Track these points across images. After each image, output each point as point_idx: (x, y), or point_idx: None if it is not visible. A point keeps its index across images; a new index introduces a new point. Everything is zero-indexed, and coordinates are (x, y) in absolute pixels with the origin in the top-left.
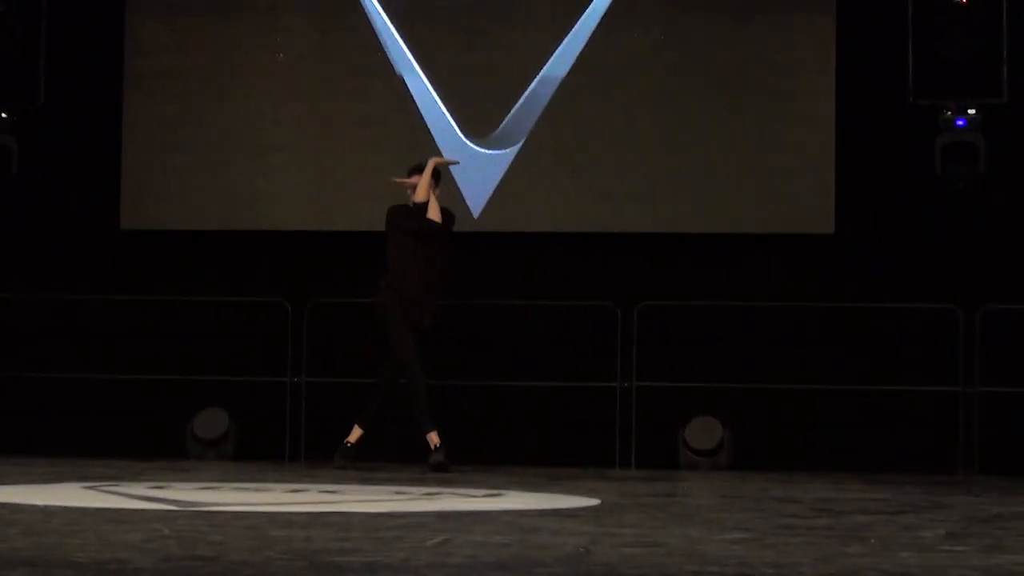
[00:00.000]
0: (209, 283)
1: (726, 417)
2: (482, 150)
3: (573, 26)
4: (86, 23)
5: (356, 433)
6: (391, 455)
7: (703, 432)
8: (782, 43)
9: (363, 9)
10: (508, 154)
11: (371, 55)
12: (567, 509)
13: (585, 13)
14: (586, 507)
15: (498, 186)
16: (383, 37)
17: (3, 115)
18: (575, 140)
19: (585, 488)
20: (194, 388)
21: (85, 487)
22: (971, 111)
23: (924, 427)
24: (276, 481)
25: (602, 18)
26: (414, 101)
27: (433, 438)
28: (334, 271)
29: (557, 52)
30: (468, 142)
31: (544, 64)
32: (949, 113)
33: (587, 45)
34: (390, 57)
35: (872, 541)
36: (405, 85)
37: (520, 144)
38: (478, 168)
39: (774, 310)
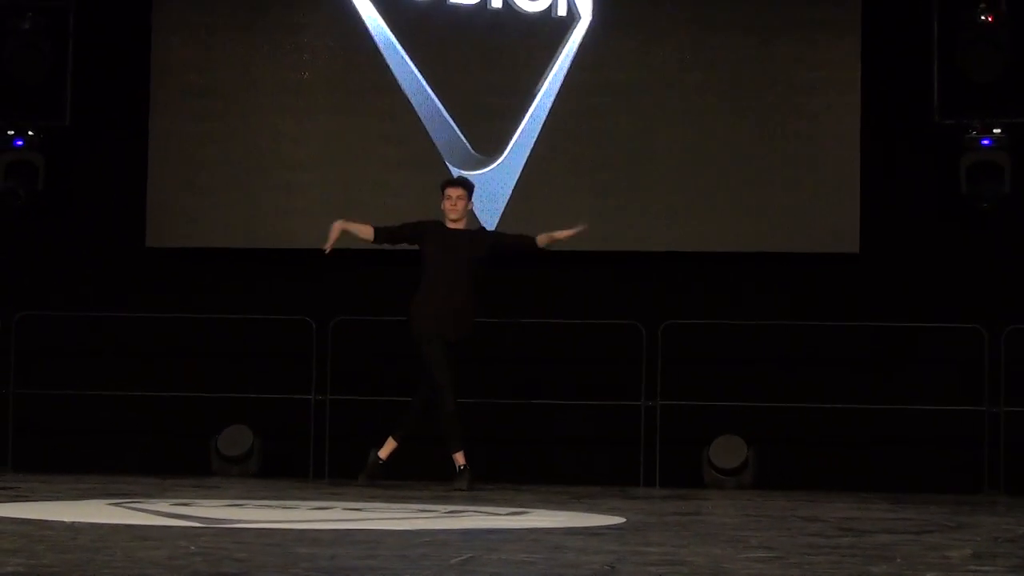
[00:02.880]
0: (234, 300)
1: (750, 436)
2: (494, 166)
3: (595, 45)
4: (113, 42)
5: (389, 447)
6: (417, 473)
7: (727, 451)
8: (807, 62)
9: (380, 28)
10: (531, 172)
11: (388, 73)
12: (592, 527)
13: (606, 31)
14: (611, 525)
15: (521, 205)
16: (390, 55)
17: (30, 133)
18: (599, 158)
19: (610, 506)
20: (218, 405)
21: (110, 504)
22: (996, 130)
23: (949, 447)
24: (301, 498)
25: (626, 36)
26: (434, 120)
27: (459, 459)
28: (358, 289)
29: (567, 67)
30: (480, 158)
31: (566, 82)
32: (974, 132)
33: (611, 63)
34: (400, 77)
35: (897, 560)
36: (427, 103)
37: (543, 163)
38: (490, 185)
39: (799, 329)
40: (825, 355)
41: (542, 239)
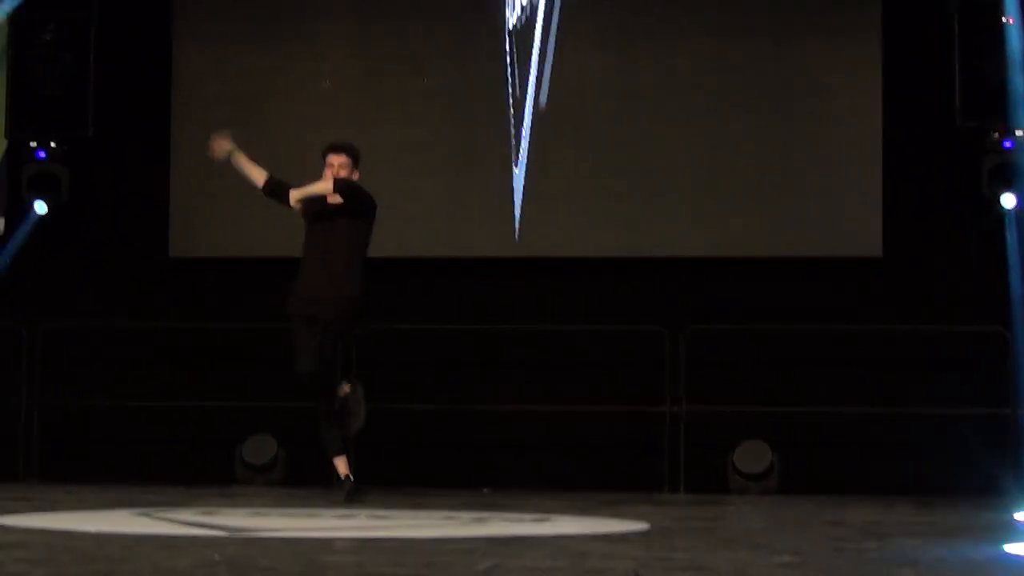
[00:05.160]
0: (257, 310)
1: (775, 441)
2: (518, 172)
3: (614, 46)
4: (134, 53)
5: (342, 464)
6: (440, 481)
7: (752, 456)
8: (828, 65)
9: (404, 37)
10: (550, 177)
11: (414, 81)
12: (617, 533)
13: (625, 35)
14: (636, 531)
15: (544, 210)
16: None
17: (53, 145)
18: (622, 164)
19: (634, 512)
20: (242, 414)
21: (136, 513)
22: (1018, 132)
23: (973, 450)
24: (325, 507)
25: (645, 41)
26: (455, 127)
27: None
28: (380, 297)
29: (600, 73)
30: (512, 164)
31: (586, 85)
32: (996, 135)
33: (630, 67)
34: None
35: (922, 564)
36: (448, 110)
37: (565, 168)
38: (519, 191)
39: (822, 333)
40: (848, 359)
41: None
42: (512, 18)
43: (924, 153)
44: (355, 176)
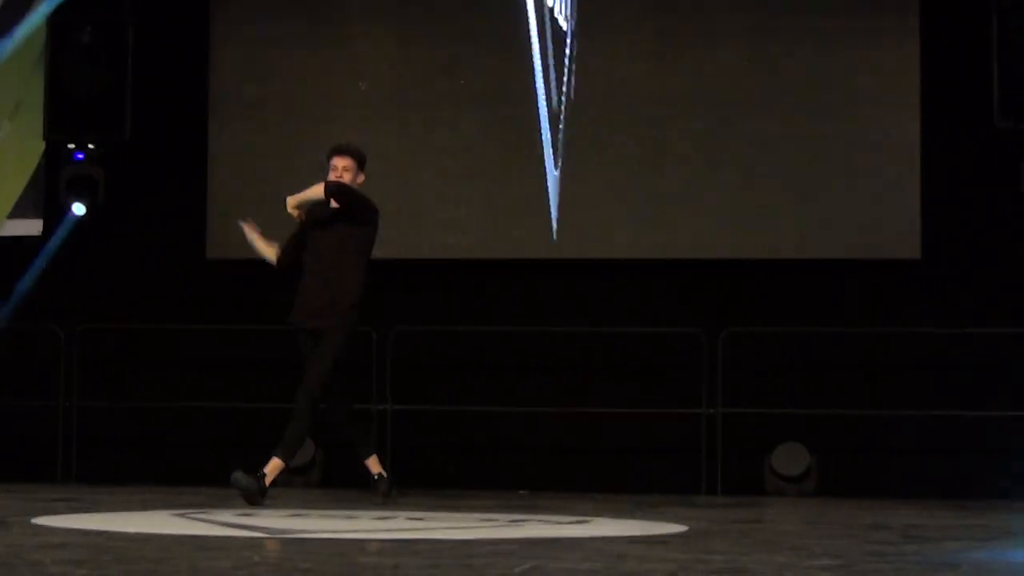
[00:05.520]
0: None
1: (812, 443)
2: (558, 173)
3: (651, 48)
4: (171, 55)
5: (374, 463)
6: (477, 483)
7: (789, 458)
8: (865, 67)
9: (441, 39)
10: (587, 178)
11: (452, 82)
12: (655, 535)
13: (662, 37)
14: (674, 533)
15: (579, 211)
16: (449, 65)
17: (90, 147)
18: (658, 166)
19: (672, 514)
20: (280, 416)
21: (175, 514)
22: None
23: (1013, 453)
24: (363, 508)
25: (682, 43)
26: (495, 129)
27: (273, 464)
28: (419, 299)
29: (636, 75)
30: (549, 166)
31: (623, 86)
32: None
33: (667, 69)
34: (458, 86)
35: (963, 568)
36: (488, 112)
37: (601, 170)
38: (555, 192)
39: (860, 335)
40: (886, 361)
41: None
42: (548, 19)
43: (963, 154)
44: (360, 180)
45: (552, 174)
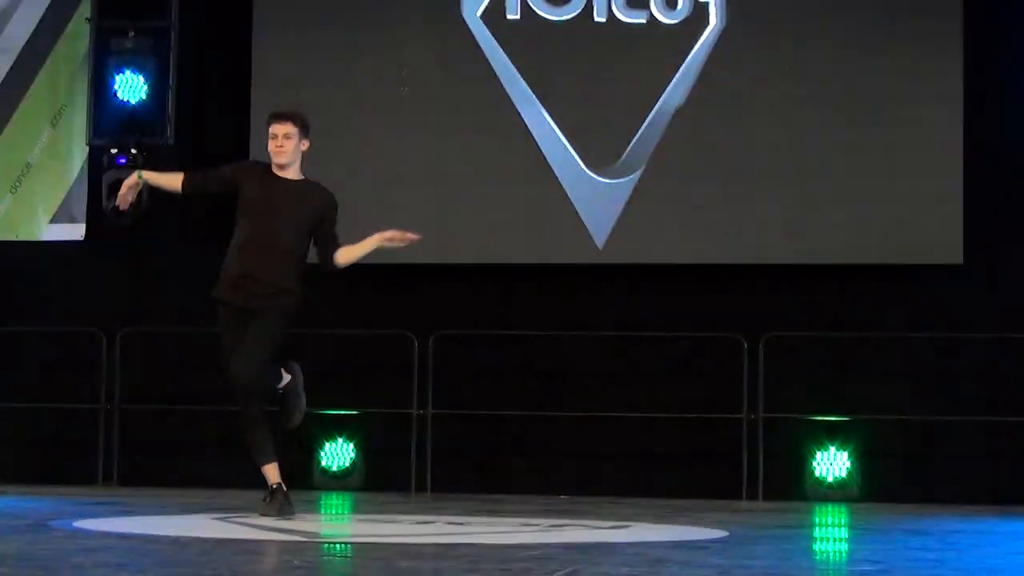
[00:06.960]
0: (334, 316)
1: (854, 448)
2: (604, 180)
3: (692, 54)
4: (214, 60)
5: (273, 471)
6: (517, 487)
7: (831, 464)
8: (908, 70)
9: (483, 43)
10: (630, 185)
11: (494, 88)
12: (695, 541)
13: (705, 41)
14: (715, 539)
15: (622, 218)
16: (501, 70)
17: (133, 151)
18: (700, 172)
19: (713, 520)
20: (320, 420)
21: (215, 518)
22: None
23: None
24: (403, 512)
25: (725, 47)
26: (534, 133)
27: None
28: (459, 303)
29: (676, 81)
30: (590, 172)
31: (664, 93)
32: None
33: (708, 74)
34: (508, 91)
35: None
36: (532, 118)
37: (641, 175)
38: (600, 199)
39: (902, 340)
40: (929, 366)
41: (343, 256)
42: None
43: (1005, 159)
44: (304, 146)
45: (592, 180)
